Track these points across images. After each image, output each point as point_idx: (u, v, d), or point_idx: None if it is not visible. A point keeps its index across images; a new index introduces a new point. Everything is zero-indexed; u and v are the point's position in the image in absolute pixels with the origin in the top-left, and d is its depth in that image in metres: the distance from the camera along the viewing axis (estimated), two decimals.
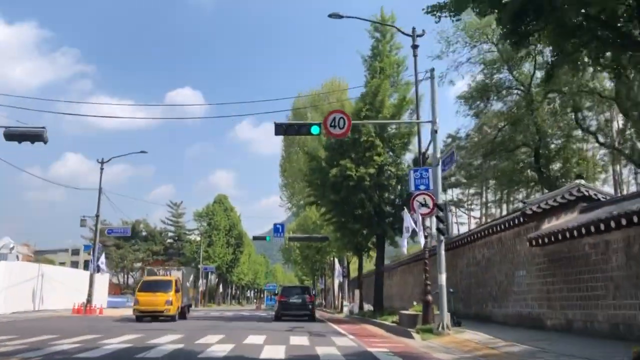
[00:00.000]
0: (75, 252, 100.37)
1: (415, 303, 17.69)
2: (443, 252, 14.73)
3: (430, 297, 15.49)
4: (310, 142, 28.00)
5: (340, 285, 41.29)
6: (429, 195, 15.76)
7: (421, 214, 15.54)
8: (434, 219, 15.07)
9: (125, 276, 76.28)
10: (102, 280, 46.54)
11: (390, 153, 22.86)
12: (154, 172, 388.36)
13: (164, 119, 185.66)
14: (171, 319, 22.01)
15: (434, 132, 15.33)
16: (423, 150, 17.35)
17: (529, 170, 28.06)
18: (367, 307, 30.79)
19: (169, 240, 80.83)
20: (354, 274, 47.66)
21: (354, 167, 21.61)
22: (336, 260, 47.61)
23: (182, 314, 24.45)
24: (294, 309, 25.69)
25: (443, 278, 14.46)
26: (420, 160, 16.72)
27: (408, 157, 23.09)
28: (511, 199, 35.73)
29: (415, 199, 15.82)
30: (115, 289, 74.44)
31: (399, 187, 22.77)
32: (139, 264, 71.91)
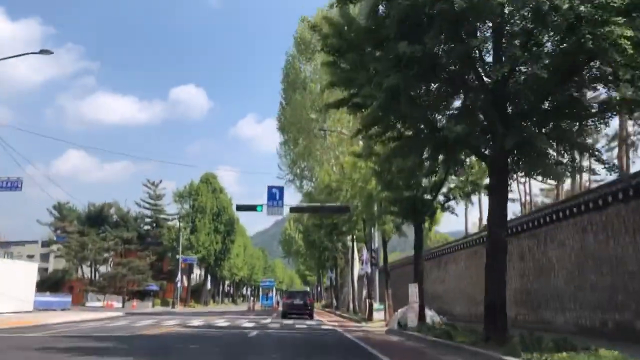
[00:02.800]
0: (46, 244, 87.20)
1: None
2: None
3: None
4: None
5: (368, 279, 27.90)
6: None
7: None
8: None
9: (93, 270, 62.91)
10: (25, 271, 33.26)
11: None
12: (157, 168, 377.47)
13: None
14: None
15: None
16: None
17: None
18: (430, 315, 17.38)
19: (146, 227, 67.36)
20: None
21: None
22: (354, 244, 34.16)
23: None
24: (297, 308, 30.05)
25: None
26: None
27: None
28: None
29: None
30: (79, 286, 61.03)
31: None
32: (107, 255, 58.52)
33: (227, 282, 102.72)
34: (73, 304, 57.85)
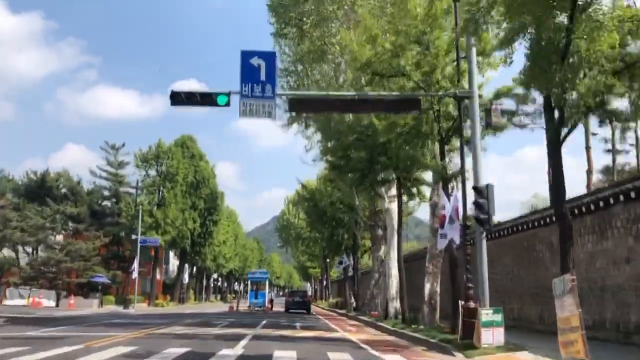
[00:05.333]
0: None
1: None
2: None
3: None
4: None
5: (453, 257, 13.14)
6: None
7: None
8: None
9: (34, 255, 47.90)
10: None
11: None
12: None
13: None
14: None
15: None
16: None
17: None
18: None
19: (105, 202, 52.36)
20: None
21: None
22: (401, 202, 19.57)
23: None
24: (297, 305, 35.70)
25: None
26: None
27: None
28: None
29: None
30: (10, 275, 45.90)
31: None
32: (41, 235, 43.49)
33: (214, 276, 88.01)
34: None
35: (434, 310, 16.51)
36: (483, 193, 11.60)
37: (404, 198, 19.86)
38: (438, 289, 16.69)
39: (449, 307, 21.60)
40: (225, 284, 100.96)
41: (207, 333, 15.26)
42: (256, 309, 38.35)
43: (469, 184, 12.65)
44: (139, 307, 40.94)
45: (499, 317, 11.34)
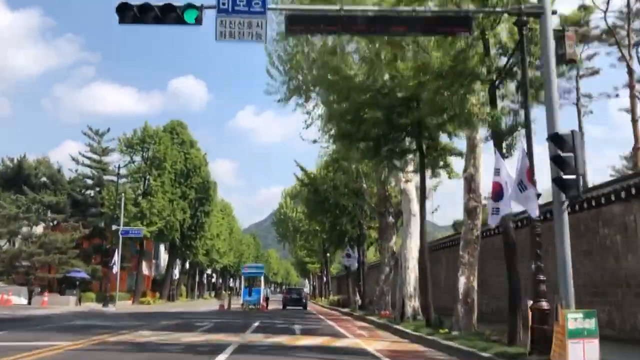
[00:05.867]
0: None
1: None
2: None
3: None
4: None
5: (510, 246, 9.59)
6: None
7: None
8: None
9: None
10: None
11: None
12: None
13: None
14: None
15: None
16: None
17: None
18: None
19: (88, 191, 48.61)
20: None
21: None
22: (426, 174, 16.00)
23: None
24: (294, 301, 39.07)
25: None
26: None
27: None
28: None
29: None
30: None
31: None
32: (14, 227, 39.76)
33: (208, 272, 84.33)
34: None
35: (470, 311, 12.92)
36: (567, 143, 8.00)
37: (427, 174, 16.20)
38: (475, 284, 13.12)
39: (482, 305, 17.81)
40: (220, 281, 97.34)
41: (177, 341, 11.63)
42: (250, 307, 34.74)
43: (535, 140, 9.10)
44: (122, 305, 37.37)
45: (592, 324, 7.79)
